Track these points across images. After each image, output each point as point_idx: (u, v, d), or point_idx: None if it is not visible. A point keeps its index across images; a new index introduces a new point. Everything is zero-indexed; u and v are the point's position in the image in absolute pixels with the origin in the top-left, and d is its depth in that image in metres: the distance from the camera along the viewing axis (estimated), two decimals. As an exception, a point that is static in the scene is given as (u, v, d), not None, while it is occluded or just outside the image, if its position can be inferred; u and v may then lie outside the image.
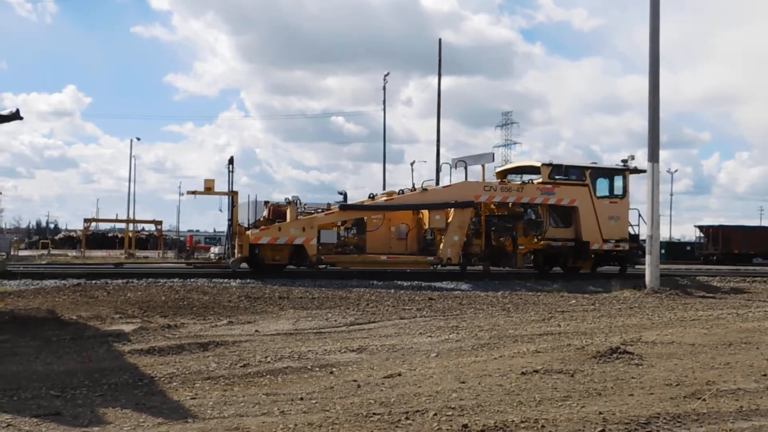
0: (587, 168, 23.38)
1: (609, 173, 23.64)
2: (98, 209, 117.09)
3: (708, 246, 51.18)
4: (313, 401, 6.10)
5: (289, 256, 20.97)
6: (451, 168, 23.59)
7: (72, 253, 47.52)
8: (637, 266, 23.57)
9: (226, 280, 18.67)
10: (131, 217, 67.11)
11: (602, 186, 23.45)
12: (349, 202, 22.27)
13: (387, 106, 51.75)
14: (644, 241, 21.90)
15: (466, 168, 22.89)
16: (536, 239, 22.49)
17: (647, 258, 19.42)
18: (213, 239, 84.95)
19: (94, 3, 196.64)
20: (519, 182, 23.31)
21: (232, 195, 21.98)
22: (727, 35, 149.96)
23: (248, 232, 20.71)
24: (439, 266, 21.98)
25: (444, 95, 44.42)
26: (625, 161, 23.71)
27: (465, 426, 5.17)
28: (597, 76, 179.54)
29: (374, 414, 5.55)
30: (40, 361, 8.10)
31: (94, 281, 17.61)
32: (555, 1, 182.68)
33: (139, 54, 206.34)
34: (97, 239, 63.53)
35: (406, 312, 13.23)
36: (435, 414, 5.53)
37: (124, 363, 8.06)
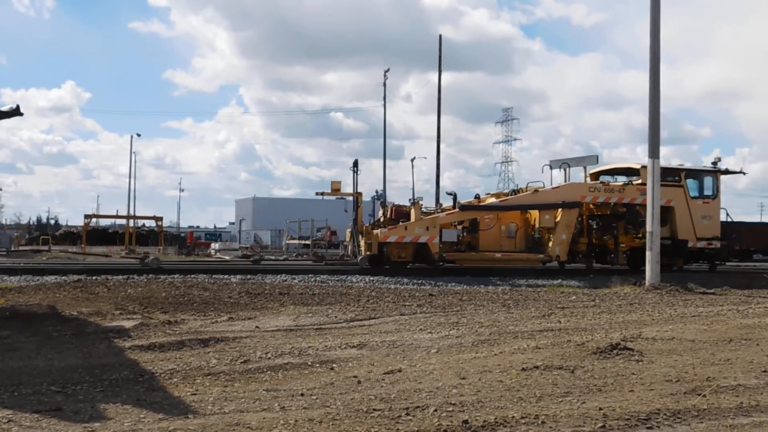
0: (682, 170, 24.49)
1: (702, 174, 24.81)
2: (98, 205, 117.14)
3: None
4: (314, 397, 6.11)
5: (412, 254, 22.00)
6: (552, 169, 24.76)
7: (72, 249, 47.52)
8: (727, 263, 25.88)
9: (226, 276, 18.72)
10: (131, 213, 67.15)
11: (696, 187, 24.55)
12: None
13: (387, 101, 51.75)
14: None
15: (568, 169, 24.27)
16: (636, 238, 23.37)
17: (647, 254, 19.45)
18: (213, 235, 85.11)
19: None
20: (621, 183, 24.27)
21: (357, 196, 23.64)
22: (728, 31, 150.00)
23: (377, 232, 21.82)
24: (547, 263, 23.43)
25: (444, 91, 44.40)
26: (714, 163, 24.89)
27: (465, 422, 5.17)
28: (597, 71, 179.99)
29: (375, 410, 5.56)
30: (40, 356, 8.11)
31: (94, 277, 17.63)
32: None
33: (138, 50, 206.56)
34: (98, 235, 63.50)
35: (407, 308, 13.23)
36: (435, 410, 5.54)
37: (124, 359, 8.07)
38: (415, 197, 23.90)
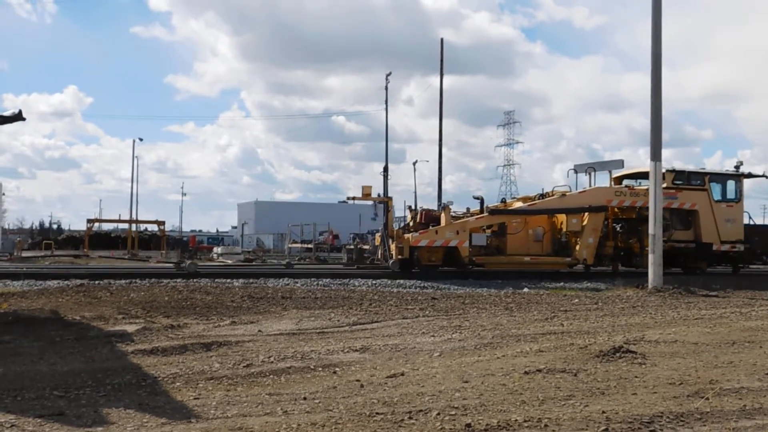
0: (707, 174, 25.02)
1: (726, 178, 25.35)
2: (101, 210, 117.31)
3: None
4: (316, 401, 6.11)
5: (442, 258, 22.53)
6: (577, 173, 25.34)
7: (75, 253, 47.50)
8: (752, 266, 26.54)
9: (228, 280, 18.73)
10: (134, 217, 67.24)
11: (720, 191, 24.97)
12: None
13: (388, 105, 51.70)
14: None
15: (593, 174, 24.74)
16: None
17: (650, 257, 19.46)
18: (216, 239, 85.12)
19: (93, 3, 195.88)
20: (645, 187, 24.64)
21: (387, 201, 24.61)
22: (728, 32, 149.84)
23: (408, 236, 22.35)
24: (575, 267, 23.82)
25: (445, 94, 44.25)
26: (737, 167, 25.48)
27: (468, 425, 5.17)
28: (598, 74, 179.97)
29: (377, 414, 5.55)
30: (43, 361, 8.12)
31: (97, 281, 17.64)
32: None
33: (140, 54, 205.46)
34: (101, 239, 63.47)
35: (409, 311, 13.23)
36: (438, 413, 5.53)
37: (127, 363, 8.07)
38: (435, 201, 24.53)
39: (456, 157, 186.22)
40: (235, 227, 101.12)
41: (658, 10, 19.38)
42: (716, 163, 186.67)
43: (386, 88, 51.77)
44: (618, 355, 7.97)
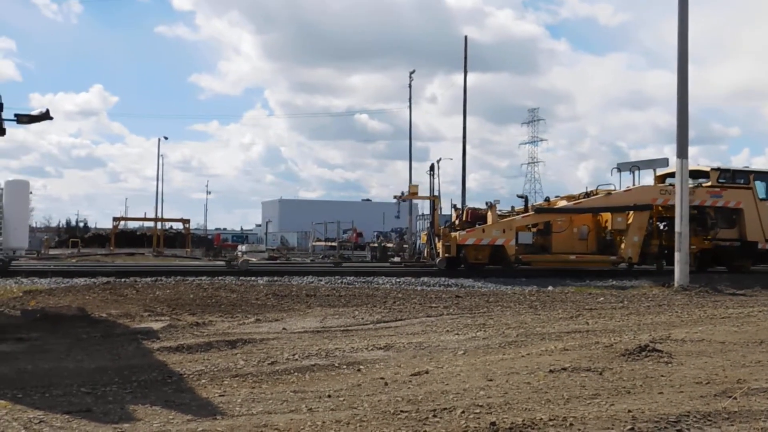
0: (752, 172, 24.98)
1: None
2: (126, 208, 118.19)
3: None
4: (341, 399, 6.12)
5: (489, 256, 22.77)
6: (620, 172, 25.33)
7: (101, 251, 48.00)
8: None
9: (253, 278, 18.83)
10: (159, 215, 67.79)
11: (765, 189, 24.85)
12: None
13: (411, 103, 51.60)
14: None
15: (638, 172, 24.84)
16: (705, 240, 23.83)
17: (676, 255, 19.31)
18: (240, 237, 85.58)
19: (118, 3, 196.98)
20: (690, 186, 24.34)
21: (434, 199, 25.06)
22: (755, 29, 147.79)
23: (455, 234, 22.62)
24: (620, 265, 23.85)
25: (469, 92, 43.84)
26: None
27: (493, 424, 5.15)
28: (623, 71, 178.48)
29: (401, 411, 5.55)
30: (70, 358, 8.20)
31: (123, 279, 17.79)
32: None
33: (164, 54, 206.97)
34: (126, 237, 64.09)
35: (433, 310, 13.22)
36: (463, 412, 5.52)
37: (153, 360, 8.13)
38: (484, 201, 24.77)
39: (479, 155, 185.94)
40: (260, 225, 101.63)
41: (685, 7, 19.20)
42: (744, 160, 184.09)
43: (410, 86, 51.76)
44: (644, 353, 7.89)
